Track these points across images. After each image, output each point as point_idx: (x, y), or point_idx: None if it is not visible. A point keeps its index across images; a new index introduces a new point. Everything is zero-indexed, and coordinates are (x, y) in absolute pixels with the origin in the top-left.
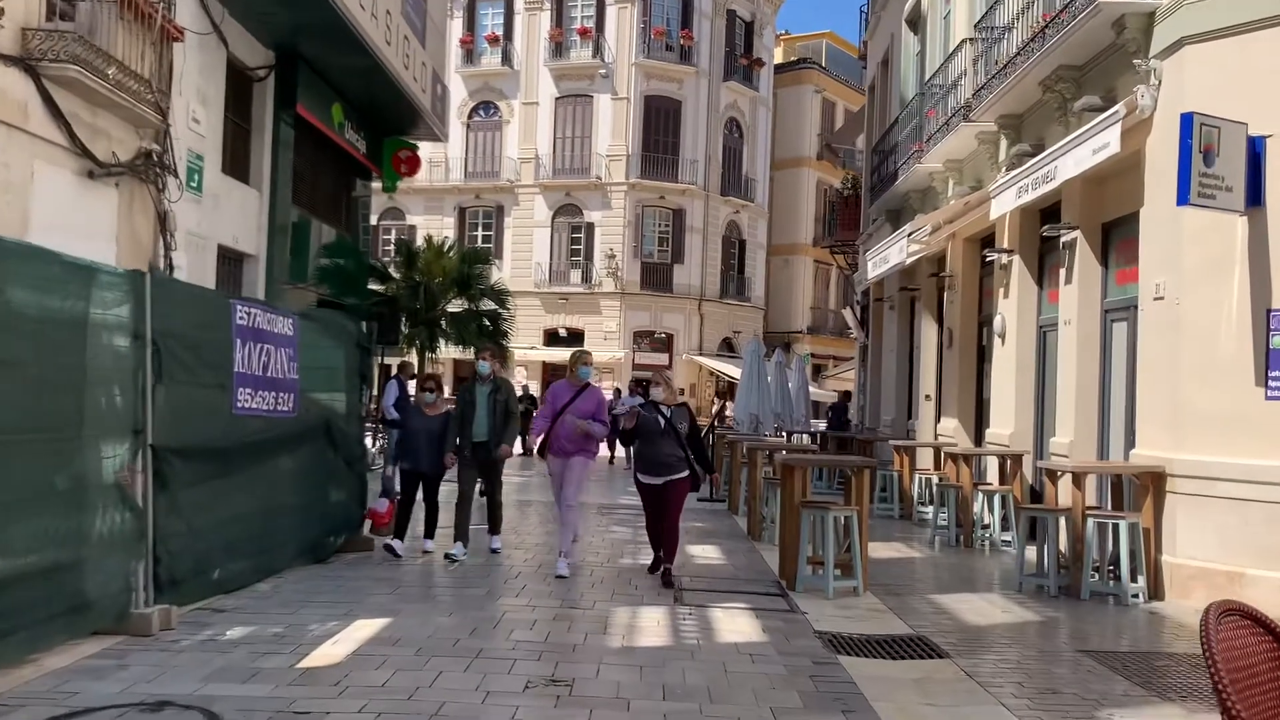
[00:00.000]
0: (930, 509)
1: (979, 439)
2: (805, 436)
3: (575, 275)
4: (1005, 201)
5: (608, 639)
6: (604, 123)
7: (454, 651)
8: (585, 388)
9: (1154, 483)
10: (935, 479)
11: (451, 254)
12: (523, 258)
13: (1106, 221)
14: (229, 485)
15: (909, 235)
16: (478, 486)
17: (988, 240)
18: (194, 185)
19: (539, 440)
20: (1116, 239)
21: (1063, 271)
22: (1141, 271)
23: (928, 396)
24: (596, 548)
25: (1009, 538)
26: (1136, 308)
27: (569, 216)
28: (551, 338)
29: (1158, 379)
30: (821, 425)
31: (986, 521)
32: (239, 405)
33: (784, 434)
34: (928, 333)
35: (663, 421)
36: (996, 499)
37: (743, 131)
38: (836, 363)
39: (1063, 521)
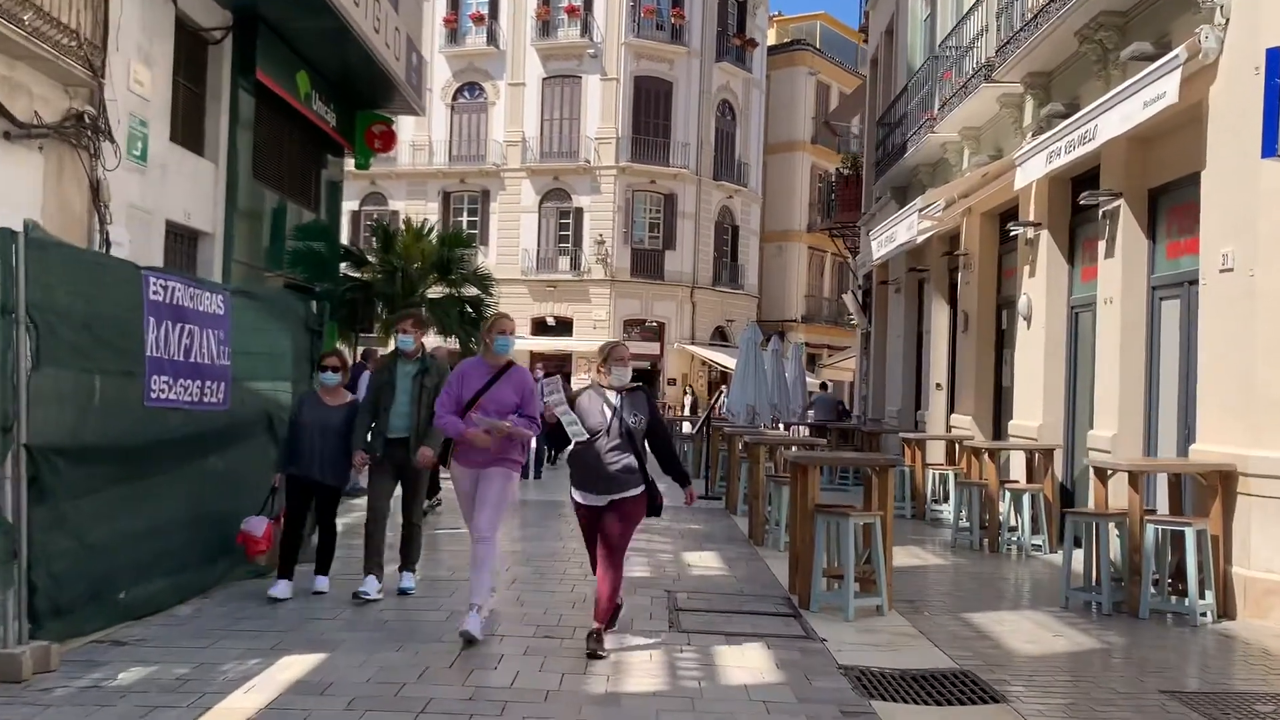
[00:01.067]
0: (945, 508)
1: (998, 431)
2: (803, 429)
3: (564, 262)
4: (1033, 169)
5: (588, 682)
6: (593, 104)
7: (395, 702)
8: (507, 369)
9: (1222, 483)
10: (951, 475)
11: (431, 237)
12: (509, 244)
13: (1154, 187)
14: (140, 491)
15: (920, 210)
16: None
17: (1008, 215)
18: (136, 154)
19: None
20: (1166, 207)
21: (1101, 245)
22: (1204, 241)
23: (939, 385)
24: (574, 553)
25: (1039, 541)
26: (1192, 283)
27: (557, 201)
28: (539, 327)
29: (1225, 363)
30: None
31: (1013, 523)
32: (153, 396)
33: (781, 426)
34: (939, 317)
35: (608, 413)
36: (1025, 499)
37: (735, 114)
38: (831, 352)
39: (1114, 528)
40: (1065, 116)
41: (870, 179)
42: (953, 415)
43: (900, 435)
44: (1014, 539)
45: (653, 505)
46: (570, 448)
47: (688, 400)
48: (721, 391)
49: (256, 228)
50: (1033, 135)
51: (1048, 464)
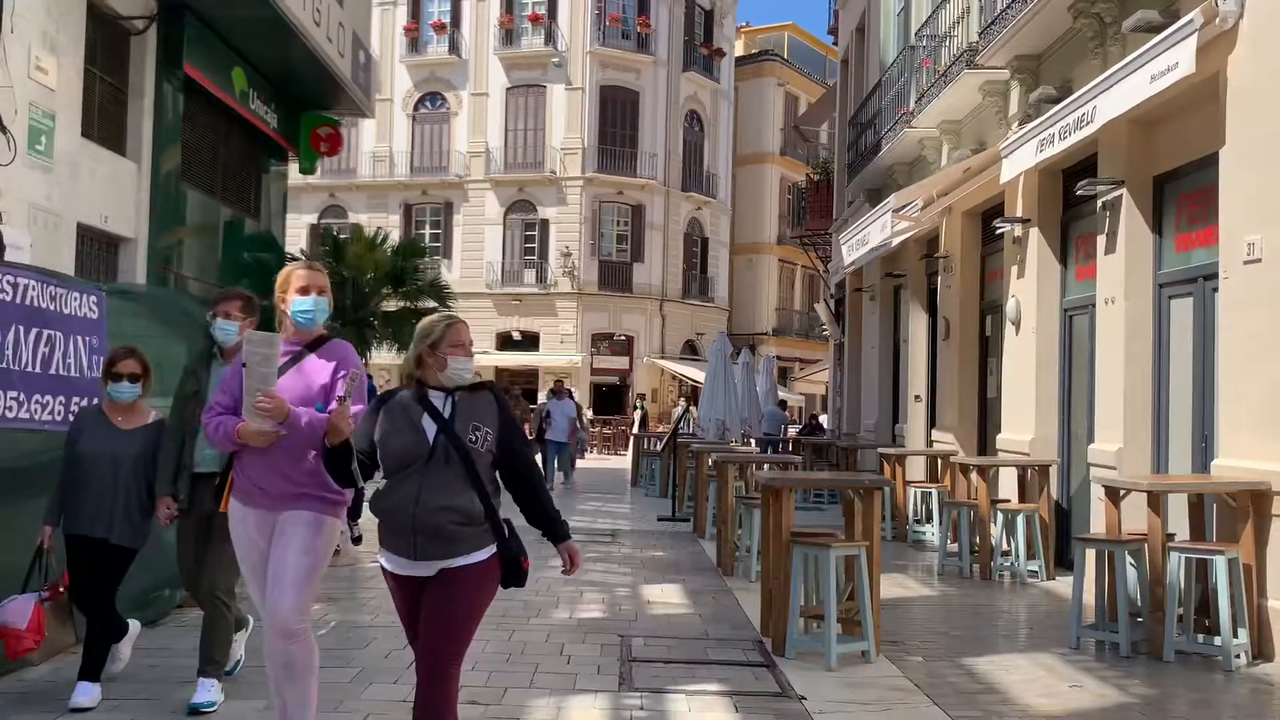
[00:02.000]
0: (928, 528)
1: (983, 446)
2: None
3: (529, 275)
4: (1021, 159)
5: None
6: (558, 114)
7: None
8: (317, 345)
9: (1254, 504)
10: (935, 493)
11: (385, 247)
12: (473, 257)
13: (1160, 174)
14: None
15: (894, 211)
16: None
17: (991, 213)
18: (40, 148)
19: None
20: (1174, 195)
21: (1100, 240)
22: (1224, 230)
23: (918, 397)
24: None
25: (1035, 568)
26: (1208, 278)
27: (522, 213)
28: (505, 341)
29: (1252, 367)
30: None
31: (1006, 547)
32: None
33: (751, 441)
34: (917, 325)
35: (430, 430)
36: (1020, 520)
37: (704, 125)
38: (803, 365)
39: (1129, 556)
40: (1057, 101)
41: (842, 183)
42: (934, 429)
43: (879, 451)
44: (1007, 565)
45: (511, 571)
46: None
47: (637, 415)
48: (683, 404)
49: (186, 234)
50: (1019, 124)
51: (1042, 481)
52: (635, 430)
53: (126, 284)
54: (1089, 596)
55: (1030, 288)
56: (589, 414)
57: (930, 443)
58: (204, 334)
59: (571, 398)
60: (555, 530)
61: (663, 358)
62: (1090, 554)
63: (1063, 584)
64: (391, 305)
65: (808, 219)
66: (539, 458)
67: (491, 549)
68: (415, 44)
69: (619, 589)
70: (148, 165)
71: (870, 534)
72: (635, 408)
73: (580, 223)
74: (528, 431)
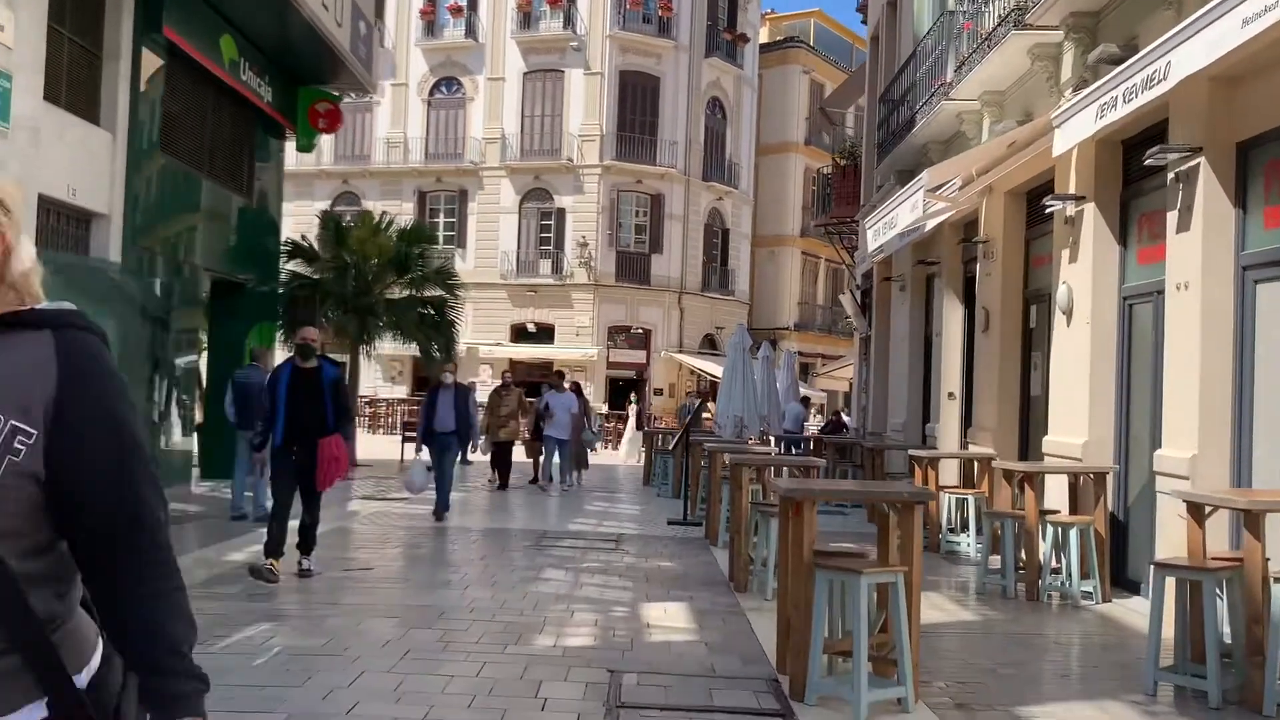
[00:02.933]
0: (962, 539)
1: (1025, 449)
2: (771, 440)
3: (545, 265)
4: (1077, 128)
5: None
6: (576, 100)
7: None
8: None
9: None
10: (972, 500)
11: (390, 231)
12: (488, 247)
13: (1244, 140)
14: None
15: (928, 190)
16: None
17: (1038, 192)
18: None
19: None
20: (1260, 163)
21: (1171, 217)
22: None
23: (951, 395)
24: (484, 604)
25: (1089, 589)
26: None
27: (538, 202)
28: (519, 334)
29: None
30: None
31: (1055, 565)
32: None
33: (770, 440)
34: (951, 316)
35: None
36: (1073, 535)
37: (726, 112)
38: (825, 361)
39: (1219, 587)
40: (1120, 61)
41: (870, 166)
42: (970, 429)
43: (909, 452)
44: (1057, 585)
45: None
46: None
47: (632, 411)
48: (693, 397)
49: (168, 211)
50: (1074, 91)
51: (1098, 491)
52: (631, 428)
53: (51, 255)
54: (1166, 630)
55: (1084, 273)
56: (602, 408)
57: (965, 444)
58: (137, 311)
59: (578, 390)
60: (161, 671)
61: (681, 352)
62: (1170, 582)
63: (1121, 608)
64: (398, 293)
65: (833, 206)
66: (541, 457)
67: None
68: (431, 27)
69: (616, 608)
70: (123, 135)
71: (909, 557)
72: (630, 403)
73: (598, 212)
74: (523, 429)
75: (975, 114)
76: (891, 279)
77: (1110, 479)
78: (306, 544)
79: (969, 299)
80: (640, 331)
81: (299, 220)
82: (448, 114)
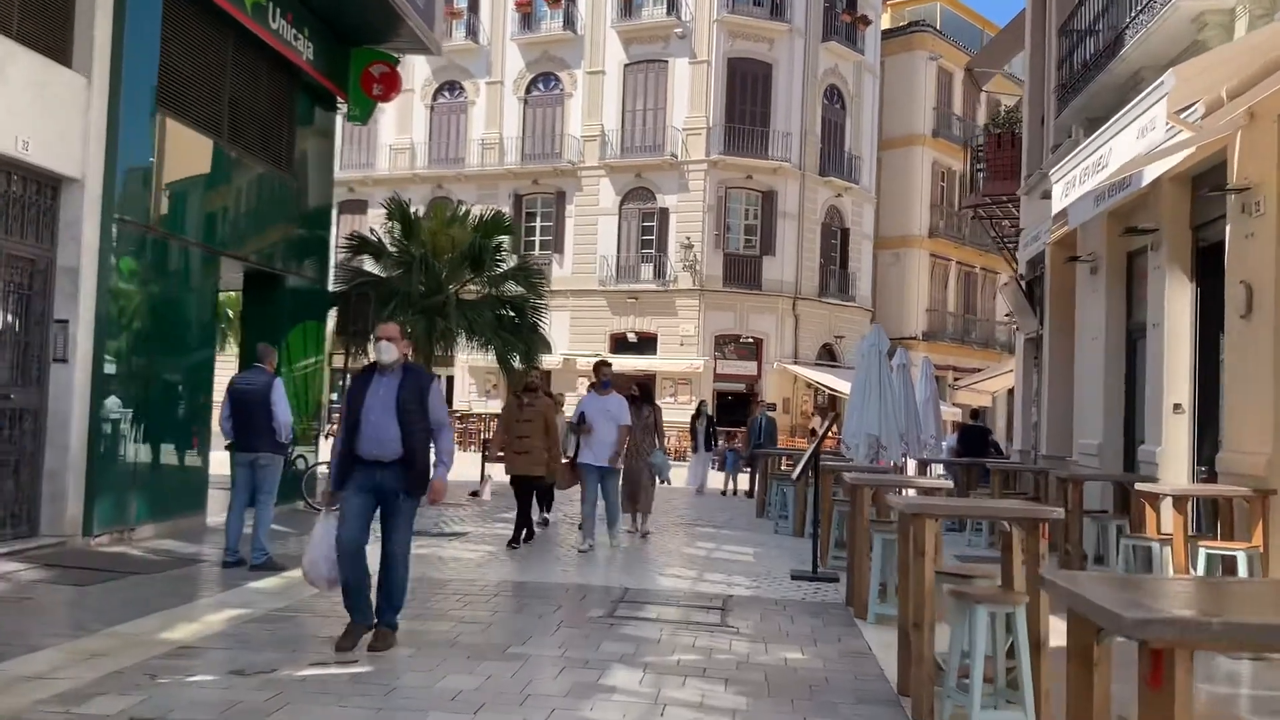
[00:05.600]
0: None
1: None
2: (938, 469)
3: (646, 270)
4: None
5: None
6: (681, 91)
7: None
8: None
9: None
10: (1244, 558)
11: (466, 222)
12: (586, 251)
13: None
14: None
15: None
16: None
17: None
18: None
19: None
20: None
21: None
22: None
23: (1178, 407)
24: None
25: None
26: None
27: (639, 202)
28: (619, 344)
29: None
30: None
31: None
32: None
33: (913, 464)
34: (1177, 300)
35: None
36: None
37: (845, 101)
38: (957, 374)
39: None
40: None
41: (1039, 127)
42: (1221, 454)
43: (1136, 487)
44: None
45: None
46: None
47: (700, 426)
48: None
49: (169, 182)
50: None
51: None
52: (698, 445)
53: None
54: None
55: None
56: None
57: (1199, 472)
58: None
59: (636, 395)
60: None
61: (796, 363)
62: None
63: None
64: (474, 293)
65: (985, 184)
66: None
67: None
68: (527, 20)
69: None
70: (102, 80)
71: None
72: (697, 414)
73: (704, 211)
74: (563, 450)
75: (1224, 14)
76: (1079, 258)
77: None
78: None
79: (1204, 275)
80: (750, 341)
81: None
82: (545, 112)
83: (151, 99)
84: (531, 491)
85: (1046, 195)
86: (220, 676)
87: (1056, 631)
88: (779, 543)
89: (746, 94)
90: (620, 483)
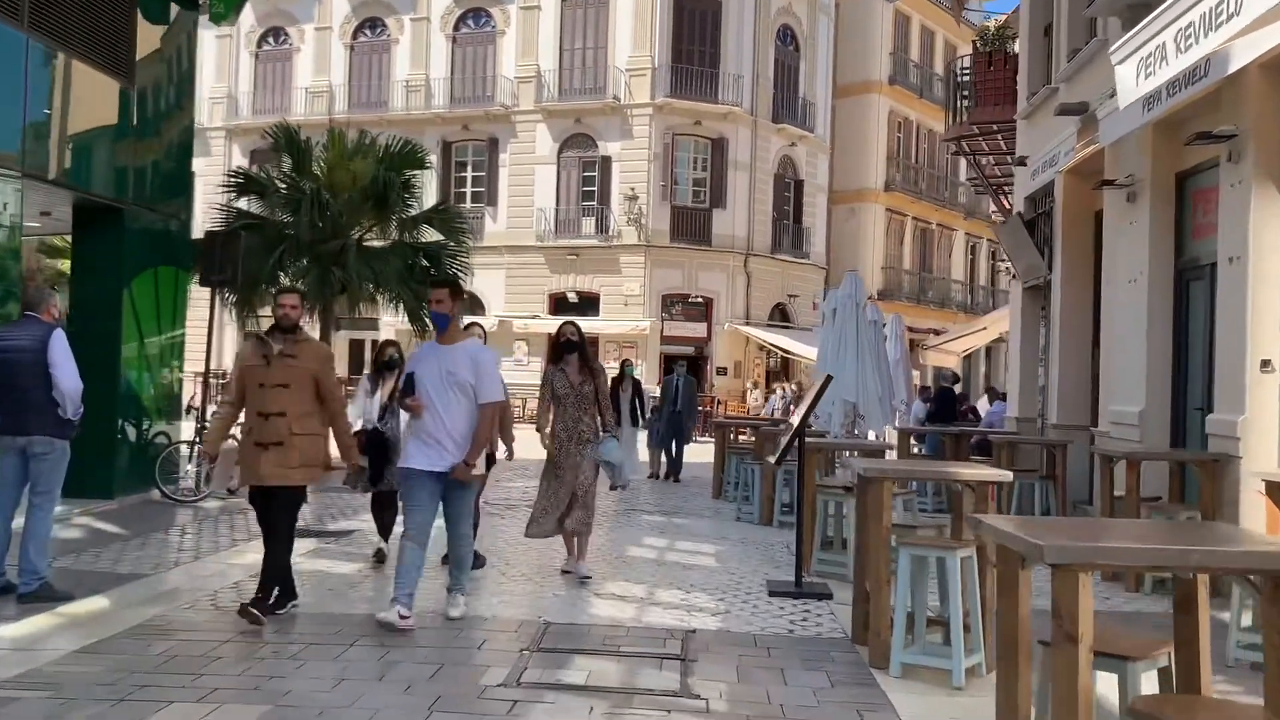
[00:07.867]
0: None
1: None
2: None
3: (588, 224)
4: None
5: None
6: (623, 29)
7: None
8: None
9: None
10: None
11: (371, 153)
12: (522, 203)
13: None
14: None
15: None
16: None
17: None
18: None
19: None
20: None
21: None
22: None
23: (1267, 364)
24: None
25: None
26: None
27: (579, 149)
28: (558, 304)
29: None
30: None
31: None
32: None
33: (895, 433)
34: (1267, 227)
35: None
36: None
37: (799, 43)
38: (918, 335)
39: None
40: None
41: (1058, 20)
42: None
43: (1262, 480)
44: None
45: None
46: None
47: (625, 394)
48: (784, 389)
49: None
50: None
51: None
52: (621, 418)
53: None
54: None
55: None
56: (655, 390)
57: None
58: None
59: (571, 347)
60: None
61: (748, 324)
62: None
63: None
64: (382, 238)
65: (975, 109)
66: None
67: None
68: None
69: None
70: None
71: None
72: (620, 378)
73: (649, 160)
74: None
75: None
76: (1110, 183)
77: None
78: None
79: None
80: (700, 300)
81: None
82: (475, 50)
83: None
84: (296, 508)
85: (1063, 112)
86: None
87: None
88: (743, 534)
89: (694, 32)
90: (549, 492)
